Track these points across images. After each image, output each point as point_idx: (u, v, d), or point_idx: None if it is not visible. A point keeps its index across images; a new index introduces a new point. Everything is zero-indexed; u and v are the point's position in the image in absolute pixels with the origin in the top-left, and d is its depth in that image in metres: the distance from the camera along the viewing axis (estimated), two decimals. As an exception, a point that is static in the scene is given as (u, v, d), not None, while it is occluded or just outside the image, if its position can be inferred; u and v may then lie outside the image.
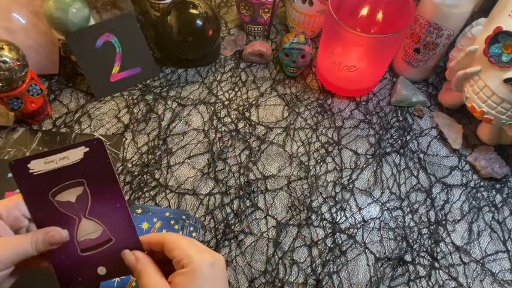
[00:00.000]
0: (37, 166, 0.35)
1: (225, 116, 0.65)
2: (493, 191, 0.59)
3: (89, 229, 0.37)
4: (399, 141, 0.64)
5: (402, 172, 0.61)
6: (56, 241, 0.36)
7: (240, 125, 0.64)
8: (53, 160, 0.35)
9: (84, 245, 0.37)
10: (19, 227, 0.37)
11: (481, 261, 0.54)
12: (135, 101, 0.67)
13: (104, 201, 0.36)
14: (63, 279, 0.37)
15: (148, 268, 0.35)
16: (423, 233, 0.56)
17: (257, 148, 0.62)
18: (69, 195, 0.36)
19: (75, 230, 0.37)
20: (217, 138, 0.63)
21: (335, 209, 0.57)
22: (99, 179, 0.36)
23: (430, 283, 0.52)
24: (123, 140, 0.62)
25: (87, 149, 0.35)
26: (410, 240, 0.55)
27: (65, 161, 0.35)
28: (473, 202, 0.58)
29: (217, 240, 0.54)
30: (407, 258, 0.54)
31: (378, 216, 0.57)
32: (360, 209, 0.57)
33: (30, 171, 0.35)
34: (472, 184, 0.60)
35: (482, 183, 0.60)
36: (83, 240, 0.37)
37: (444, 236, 0.55)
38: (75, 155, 0.35)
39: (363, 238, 0.55)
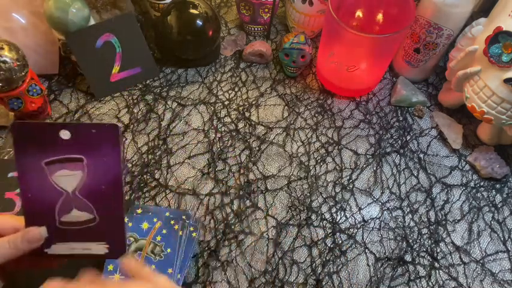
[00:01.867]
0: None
1: (225, 116, 0.65)
2: (493, 191, 0.59)
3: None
4: (399, 141, 0.64)
5: (402, 172, 0.61)
6: (36, 239, 0.36)
7: (240, 125, 0.64)
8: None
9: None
10: None
11: (481, 261, 0.54)
12: (135, 101, 0.67)
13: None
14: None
15: None
16: (423, 233, 0.56)
17: (257, 148, 0.62)
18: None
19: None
20: (217, 138, 0.63)
21: (335, 209, 0.57)
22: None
23: (430, 283, 0.52)
24: (123, 140, 0.62)
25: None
26: (410, 240, 0.55)
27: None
28: (473, 202, 0.58)
29: (217, 240, 0.54)
30: (407, 258, 0.54)
31: (378, 216, 0.57)
32: (360, 209, 0.57)
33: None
34: (472, 184, 0.60)
35: (482, 183, 0.60)
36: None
37: (444, 236, 0.55)
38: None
39: (363, 238, 0.55)
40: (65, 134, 0.34)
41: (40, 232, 0.36)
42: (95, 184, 0.35)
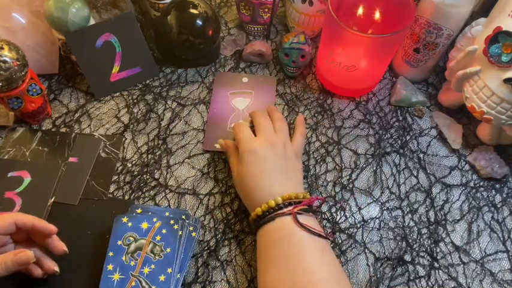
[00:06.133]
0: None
1: (225, 115, 0.65)
2: (493, 191, 0.59)
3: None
4: (399, 141, 0.64)
5: (402, 172, 0.61)
6: (24, 262, 0.41)
7: (240, 124, 0.64)
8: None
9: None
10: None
11: (480, 261, 0.54)
12: (134, 100, 0.67)
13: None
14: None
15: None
16: (423, 232, 0.56)
17: (257, 148, 0.62)
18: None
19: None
20: (217, 138, 0.63)
21: (335, 209, 0.57)
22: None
23: (429, 283, 0.52)
24: (123, 139, 0.62)
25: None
26: (410, 240, 0.55)
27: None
28: (472, 202, 0.58)
29: (217, 240, 0.54)
30: (407, 258, 0.54)
31: (377, 216, 0.57)
32: (359, 208, 0.57)
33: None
34: (471, 184, 0.60)
35: (482, 183, 0.60)
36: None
37: (444, 236, 0.55)
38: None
39: (362, 238, 0.55)
40: (244, 79, 0.67)
41: (28, 256, 0.42)
42: (256, 106, 0.64)
